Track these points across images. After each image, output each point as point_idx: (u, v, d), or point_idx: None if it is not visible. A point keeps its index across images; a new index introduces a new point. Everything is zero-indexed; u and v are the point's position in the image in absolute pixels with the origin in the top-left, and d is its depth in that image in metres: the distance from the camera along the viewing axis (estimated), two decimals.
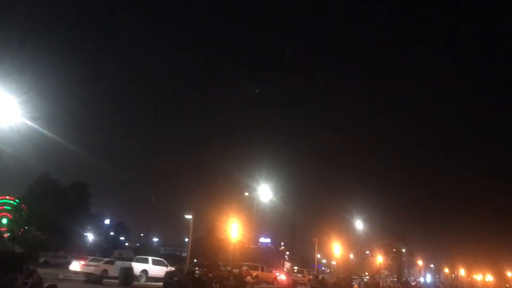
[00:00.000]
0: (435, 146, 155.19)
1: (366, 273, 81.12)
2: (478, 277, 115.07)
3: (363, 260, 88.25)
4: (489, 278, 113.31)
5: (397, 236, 79.42)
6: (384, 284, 56.82)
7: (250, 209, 52.90)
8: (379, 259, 78.37)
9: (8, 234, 42.56)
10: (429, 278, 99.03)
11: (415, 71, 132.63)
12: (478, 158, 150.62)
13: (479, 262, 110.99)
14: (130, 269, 29.34)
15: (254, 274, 39.76)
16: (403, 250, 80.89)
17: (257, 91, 74.43)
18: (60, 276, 31.99)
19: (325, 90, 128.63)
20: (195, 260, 52.97)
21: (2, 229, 44.84)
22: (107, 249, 65.12)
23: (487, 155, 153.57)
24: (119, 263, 34.65)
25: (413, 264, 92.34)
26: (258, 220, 59.62)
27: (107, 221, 74.92)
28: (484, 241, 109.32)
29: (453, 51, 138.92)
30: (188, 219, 44.59)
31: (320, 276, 49.18)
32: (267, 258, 65.14)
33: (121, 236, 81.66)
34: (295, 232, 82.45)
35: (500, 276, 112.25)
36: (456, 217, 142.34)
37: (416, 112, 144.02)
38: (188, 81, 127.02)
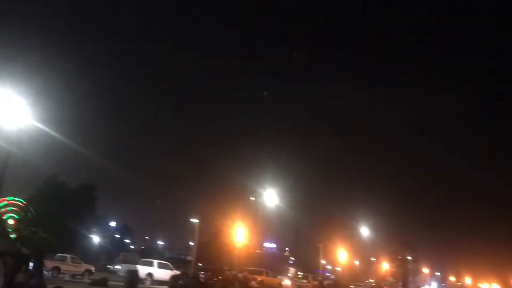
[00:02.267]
0: (443, 153, 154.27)
1: (371, 280, 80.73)
2: (484, 286, 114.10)
3: (368, 267, 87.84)
4: (495, 287, 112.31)
5: (403, 243, 79.11)
6: None
7: (256, 214, 52.97)
8: (385, 266, 78.03)
9: (15, 235, 42.79)
10: (434, 286, 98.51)
11: (424, 76, 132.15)
12: (486, 168, 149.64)
13: (485, 271, 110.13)
14: (136, 272, 29.40)
15: (259, 279, 39.82)
16: (409, 258, 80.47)
17: (265, 93, 73.25)
18: (66, 278, 32.19)
19: (333, 95, 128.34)
20: (200, 264, 52.99)
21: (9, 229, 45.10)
22: (112, 251, 65.25)
23: (496, 165, 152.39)
24: (124, 266, 34.83)
25: (418, 272, 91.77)
26: (264, 225, 59.65)
27: (112, 224, 75.13)
28: (490, 249, 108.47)
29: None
30: (194, 223, 44.82)
31: (326, 282, 49.12)
32: (272, 263, 65.07)
33: (126, 239, 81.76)
34: (300, 237, 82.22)
35: (506, 285, 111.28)
36: (463, 225, 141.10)
37: (425, 118, 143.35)
38: (193, 84, 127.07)
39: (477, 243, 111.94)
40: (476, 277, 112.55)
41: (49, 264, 33.31)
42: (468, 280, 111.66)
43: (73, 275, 34.54)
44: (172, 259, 57.75)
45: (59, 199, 50.45)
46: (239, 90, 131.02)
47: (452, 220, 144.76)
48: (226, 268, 44.41)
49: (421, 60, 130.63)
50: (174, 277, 30.34)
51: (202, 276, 34.16)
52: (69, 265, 35.22)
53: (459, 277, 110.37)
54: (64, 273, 33.64)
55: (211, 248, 60.09)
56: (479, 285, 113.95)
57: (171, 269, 35.37)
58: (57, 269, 33.48)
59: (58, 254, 36.75)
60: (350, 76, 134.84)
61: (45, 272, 33.29)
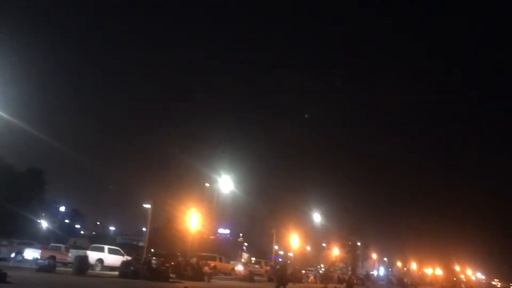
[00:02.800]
0: (392, 142, 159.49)
1: (322, 265, 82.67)
2: (428, 270, 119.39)
3: (319, 252, 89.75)
4: (439, 271, 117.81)
5: (353, 230, 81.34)
6: (341, 276, 58.10)
7: (211, 200, 52.93)
8: (335, 251, 80.00)
9: None
10: (382, 271, 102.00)
11: (386, 73, 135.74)
12: (431, 157, 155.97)
13: (430, 256, 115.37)
14: (85, 257, 28.82)
15: (212, 264, 39.95)
16: (358, 243, 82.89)
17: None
18: (11, 264, 31.14)
19: (290, 84, 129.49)
20: (152, 250, 52.48)
21: None
22: (62, 237, 63.55)
23: (440, 153, 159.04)
24: (74, 251, 34.08)
25: (367, 257, 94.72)
26: (218, 210, 59.75)
27: (62, 209, 73.12)
28: (435, 236, 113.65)
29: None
30: (147, 209, 44.21)
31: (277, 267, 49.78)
32: (226, 249, 65.34)
33: (76, 224, 79.92)
34: (255, 223, 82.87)
35: (449, 269, 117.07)
36: (410, 212, 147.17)
37: (376, 111, 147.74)
38: (148, 69, 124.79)
39: (423, 230, 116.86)
40: (421, 262, 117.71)
41: (46, 253, 36.28)
42: (413, 265, 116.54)
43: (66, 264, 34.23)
44: (124, 244, 56.91)
45: (5, 182, 48.43)
46: (193, 74, 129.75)
47: (400, 207, 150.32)
48: (178, 254, 44.25)
49: (364, 55, 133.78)
50: (125, 263, 29.97)
51: (154, 262, 33.92)
52: (63, 254, 36.90)
53: (405, 262, 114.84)
54: (59, 262, 33.75)
55: (164, 234, 59.51)
56: (424, 270, 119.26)
57: (122, 255, 34.81)
58: (53, 258, 34.43)
59: (52, 244, 39.60)
60: (308, 65, 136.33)
61: (41, 261, 33.55)
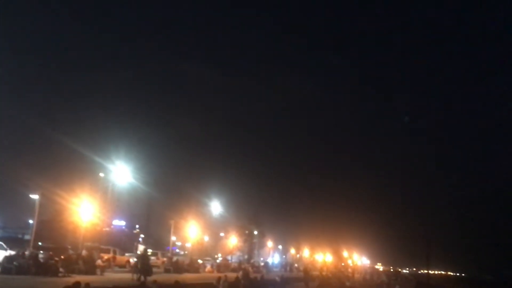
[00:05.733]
0: (289, 135, 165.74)
1: (220, 254, 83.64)
2: (319, 257, 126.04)
3: (217, 242, 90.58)
4: (329, 257, 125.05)
5: (251, 219, 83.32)
6: (237, 265, 59.15)
7: (105, 191, 51.01)
8: (233, 240, 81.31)
9: None
10: (276, 258, 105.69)
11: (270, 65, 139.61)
12: (330, 150, 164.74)
13: (321, 243, 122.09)
14: None
15: (105, 257, 38.70)
16: (255, 232, 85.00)
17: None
18: None
19: (190, 76, 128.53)
20: (40, 244, 49.41)
21: None
22: None
23: (334, 148, 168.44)
24: None
25: (263, 245, 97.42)
26: (114, 202, 57.76)
27: None
28: (326, 223, 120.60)
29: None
30: (33, 200, 41.54)
31: (174, 258, 49.60)
32: (121, 241, 63.45)
33: None
34: (152, 214, 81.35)
35: (337, 255, 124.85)
36: (303, 200, 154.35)
37: (271, 101, 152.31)
38: (38, 53, 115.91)
39: (315, 218, 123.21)
40: (313, 249, 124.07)
41: None
42: (306, 252, 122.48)
43: None
44: (7, 238, 52.83)
45: None
46: (90, 65, 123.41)
47: (294, 196, 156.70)
48: (69, 247, 42.30)
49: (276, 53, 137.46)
50: (7, 258, 28.16)
51: (41, 256, 32.03)
52: None
53: (298, 249, 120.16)
54: None
55: (54, 226, 56.20)
56: (315, 256, 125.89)
57: (5, 250, 32.39)
58: None
59: None
60: (209, 60, 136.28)
61: None
